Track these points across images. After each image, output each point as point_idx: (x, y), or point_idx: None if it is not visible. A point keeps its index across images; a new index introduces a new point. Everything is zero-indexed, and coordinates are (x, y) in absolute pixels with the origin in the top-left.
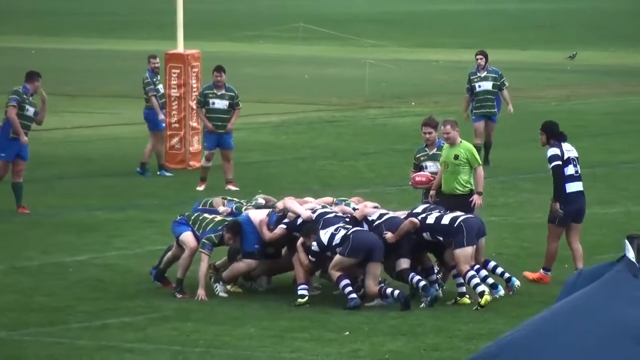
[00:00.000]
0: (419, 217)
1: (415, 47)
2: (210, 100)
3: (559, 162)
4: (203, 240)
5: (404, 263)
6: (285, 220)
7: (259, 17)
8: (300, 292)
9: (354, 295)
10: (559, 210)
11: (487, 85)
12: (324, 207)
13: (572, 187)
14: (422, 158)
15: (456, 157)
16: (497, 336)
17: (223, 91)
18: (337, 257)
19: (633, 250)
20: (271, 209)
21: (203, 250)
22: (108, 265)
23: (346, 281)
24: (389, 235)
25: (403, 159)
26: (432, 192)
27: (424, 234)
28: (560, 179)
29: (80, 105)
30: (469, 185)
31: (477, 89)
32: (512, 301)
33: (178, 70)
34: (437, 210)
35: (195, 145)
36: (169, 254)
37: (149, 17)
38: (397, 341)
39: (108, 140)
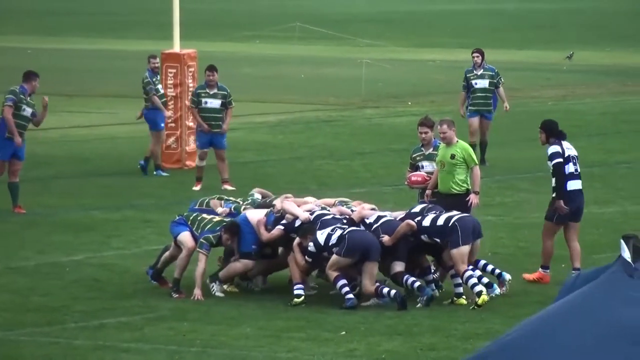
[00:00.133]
0: (416, 220)
1: (413, 47)
2: (203, 100)
3: (561, 160)
4: (201, 240)
5: (399, 266)
6: (283, 222)
7: (257, 17)
8: (296, 292)
9: (350, 295)
10: (564, 207)
11: (484, 83)
12: (322, 208)
13: (572, 185)
14: (418, 158)
15: (453, 156)
16: (493, 336)
17: (215, 90)
18: (334, 257)
19: (628, 250)
20: (269, 209)
21: (201, 250)
22: (104, 265)
23: (343, 281)
24: (385, 238)
25: (399, 159)
26: (428, 192)
27: (422, 237)
28: (562, 176)
29: (77, 105)
30: (465, 185)
31: (474, 87)
32: (509, 301)
33: (174, 70)
34: (434, 212)
35: (192, 144)
36: (167, 253)
37: (149, 17)
38: (394, 341)
39: (105, 140)
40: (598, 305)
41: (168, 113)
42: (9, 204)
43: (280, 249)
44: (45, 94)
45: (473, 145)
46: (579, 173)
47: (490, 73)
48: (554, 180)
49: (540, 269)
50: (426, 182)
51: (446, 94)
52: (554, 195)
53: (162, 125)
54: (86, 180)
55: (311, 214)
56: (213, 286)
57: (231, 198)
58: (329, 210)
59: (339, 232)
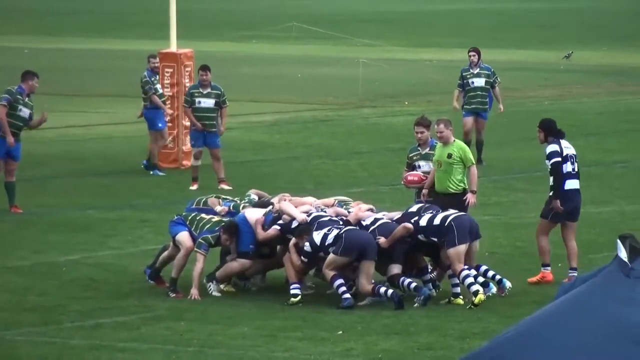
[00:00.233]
0: (413, 220)
1: (410, 46)
2: (197, 99)
3: (559, 159)
4: (199, 240)
5: (395, 268)
6: (280, 222)
7: (254, 17)
8: (292, 292)
9: (347, 295)
10: (560, 207)
11: (480, 81)
12: (321, 210)
13: (570, 184)
14: (415, 157)
15: (449, 156)
16: (490, 335)
17: (209, 90)
18: (331, 256)
19: (625, 250)
20: (268, 209)
21: (199, 251)
22: (101, 265)
23: (340, 281)
24: (382, 240)
25: (396, 158)
26: (424, 192)
27: (419, 236)
28: (559, 175)
29: (74, 105)
30: (462, 184)
31: (470, 85)
32: (506, 301)
33: (171, 70)
34: (431, 211)
35: (188, 144)
36: (165, 253)
37: (148, 16)
38: (391, 340)
39: (101, 140)
40: (595, 304)
41: (169, 111)
42: (5, 203)
43: (278, 248)
44: (42, 94)
45: (467, 144)
46: (576, 172)
47: (487, 72)
48: (551, 179)
49: (541, 269)
50: (422, 181)
51: (443, 94)
52: (550, 193)
53: (161, 125)
54: (83, 179)
55: (308, 215)
56: (210, 286)
57: (228, 197)
58: (326, 212)
59: (335, 232)
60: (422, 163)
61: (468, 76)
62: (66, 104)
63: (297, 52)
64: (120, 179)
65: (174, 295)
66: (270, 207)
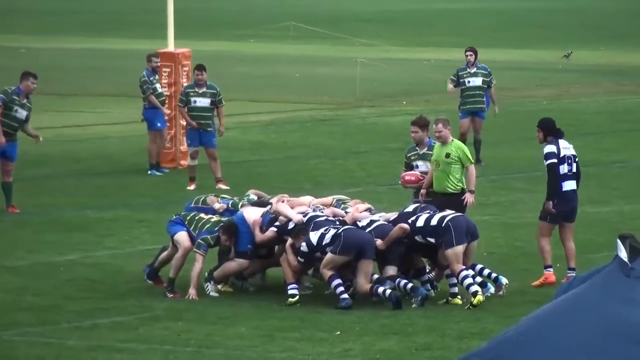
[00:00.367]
0: (410, 221)
1: (409, 46)
2: (192, 99)
3: (555, 160)
4: (198, 240)
5: (391, 270)
6: (277, 224)
7: (251, 16)
8: (290, 292)
9: (345, 295)
10: (552, 209)
11: (477, 81)
12: (315, 209)
13: (566, 186)
14: (412, 157)
15: (448, 155)
16: (488, 335)
17: (204, 89)
18: (329, 255)
19: (625, 250)
20: (266, 209)
21: (198, 251)
22: (98, 265)
23: (338, 281)
24: (379, 242)
25: (394, 158)
26: (422, 192)
27: (416, 237)
28: (555, 176)
29: (70, 104)
30: (460, 184)
31: (467, 85)
32: (504, 301)
33: (168, 69)
34: (427, 211)
35: (186, 144)
36: (164, 253)
37: (146, 16)
38: (389, 340)
39: (98, 140)
40: (595, 304)
41: (166, 111)
42: (2, 203)
43: (277, 248)
44: (38, 93)
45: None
46: (573, 173)
47: (484, 72)
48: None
49: (544, 271)
50: (419, 181)
51: (441, 93)
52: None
53: (160, 124)
54: (80, 179)
55: (304, 216)
56: (207, 286)
57: (227, 196)
58: (322, 212)
59: (332, 232)
60: (419, 163)
61: (465, 75)
62: (63, 103)
63: (294, 52)
64: (117, 178)
65: (172, 295)
66: (268, 207)
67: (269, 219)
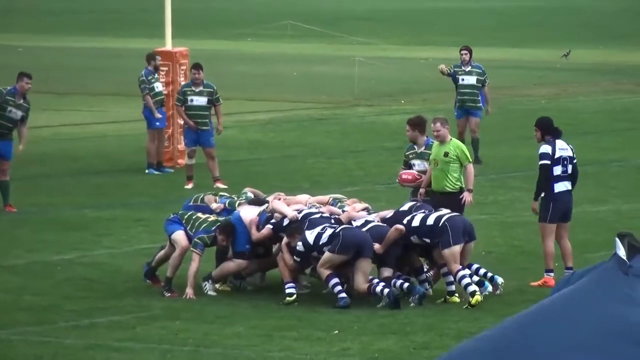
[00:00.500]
0: (405, 221)
1: (406, 44)
2: (189, 98)
3: (548, 162)
4: (195, 239)
5: (386, 272)
6: (272, 221)
7: (249, 15)
8: (288, 291)
9: (343, 294)
10: (537, 209)
11: (472, 79)
12: (311, 207)
13: (559, 187)
14: (410, 156)
15: (446, 154)
16: None
17: (201, 88)
18: (327, 254)
19: (624, 248)
20: (263, 208)
21: (195, 250)
22: (96, 264)
23: (336, 280)
24: (377, 246)
25: (392, 157)
26: (421, 191)
27: (412, 238)
28: (545, 177)
29: (68, 103)
30: (459, 183)
31: (461, 82)
32: (502, 300)
33: (166, 68)
34: (422, 211)
35: (183, 143)
36: (161, 252)
37: (143, 15)
38: (387, 340)
39: (96, 139)
40: (592, 302)
41: (157, 115)
42: None
43: (275, 247)
44: (36, 92)
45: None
46: (568, 175)
47: (478, 70)
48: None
49: (544, 274)
50: (416, 180)
51: (439, 92)
52: (542, 195)
53: (159, 123)
54: (78, 178)
55: (299, 213)
56: (205, 285)
57: (225, 194)
58: (318, 209)
59: (330, 231)
60: (417, 162)
61: (459, 73)
62: (61, 102)
63: (292, 51)
64: (114, 177)
65: (169, 294)
66: (265, 206)
67: (266, 218)
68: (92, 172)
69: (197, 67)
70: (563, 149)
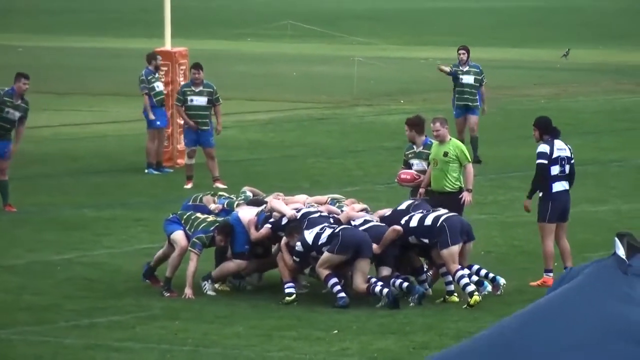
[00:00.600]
0: (403, 221)
1: (406, 44)
2: (189, 98)
3: (545, 161)
4: (193, 239)
5: (385, 271)
6: (271, 220)
7: (249, 15)
8: (287, 291)
9: (342, 294)
10: (529, 208)
11: (470, 78)
12: (310, 206)
13: (557, 187)
14: (409, 155)
15: (445, 154)
16: None
17: (201, 88)
18: (326, 254)
19: (623, 248)
20: (261, 208)
21: (193, 250)
22: (96, 264)
23: (335, 280)
24: (374, 246)
25: (392, 157)
26: (421, 191)
27: (410, 238)
28: (542, 177)
29: (68, 103)
30: (458, 183)
31: (460, 81)
32: (502, 300)
33: (165, 68)
34: (420, 211)
35: (183, 143)
36: (160, 252)
37: (142, 15)
38: (386, 340)
39: (95, 138)
40: (591, 301)
41: (151, 116)
42: None
43: (274, 248)
44: (36, 92)
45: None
46: (564, 174)
47: (476, 70)
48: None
49: (544, 274)
50: (415, 180)
51: (439, 92)
52: (540, 195)
53: (159, 123)
54: (77, 178)
55: (297, 212)
56: (205, 285)
57: (224, 194)
58: (316, 208)
59: (329, 231)
60: (415, 161)
61: (457, 72)
62: (60, 102)
63: (291, 51)
64: (114, 177)
65: (169, 294)
66: (263, 206)
67: (264, 217)
68: (92, 172)
69: (197, 67)
70: (561, 149)
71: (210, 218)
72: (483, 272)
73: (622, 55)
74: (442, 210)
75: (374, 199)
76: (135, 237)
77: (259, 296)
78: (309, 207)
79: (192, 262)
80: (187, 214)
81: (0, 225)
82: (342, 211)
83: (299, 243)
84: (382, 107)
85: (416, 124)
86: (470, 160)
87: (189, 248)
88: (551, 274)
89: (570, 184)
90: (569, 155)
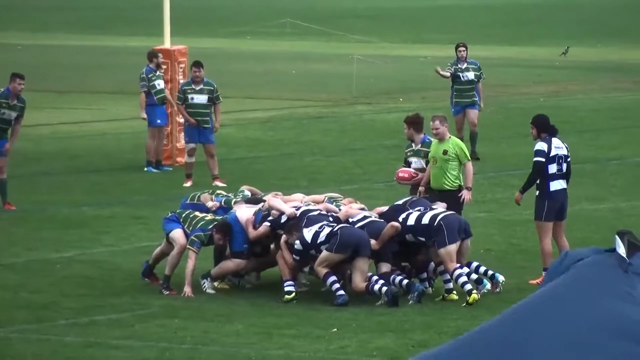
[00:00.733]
0: (401, 219)
1: (405, 42)
2: (189, 96)
3: (542, 159)
4: (192, 237)
5: (384, 267)
6: (270, 218)
7: (248, 13)
8: (287, 289)
9: (341, 292)
10: (519, 201)
11: (470, 75)
12: (308, 204)
13: (555, 185)
14: (408, 153)
15: (445, 152)
16: None
17: (201, 86)
18: (325, 253)
19: (623, 246)
20: (258, 208)
21: (191, 248)
22: (95, 262)
23: (333, 278)
24: (372, 242)
25: (391, 155)
26: (421, 189)
27: (407, 236)
28: (537, 174)
29: (66, 101)
30: (457, 181)
31: (461, 79)
32: (501, 298)
33: (165, 66)
34: (418, 208)
35: (182, 141)
36: (157, 249)
37: (143, 13)
38: (385, 338)
39: (94, 136)
40: (591, 300)
41: (143, 115)
42: None
43: (272, 246)
44: (34, 91)
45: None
46: (562, 173)
47: (474, 66)
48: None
49: (543, 272)
50: (412, 178)
51: (438, 90)
52: (537, 193)
53: (160, 121)
54: (76, 176)
55: (297, 210)
56: (204, 283)
57: (222, 192)
58: (315, 206)
59: (327, 230)
60: (413, 159)
61: (457, 70)
62: (59, 100)
63: (290, 49)
64: (113, 175)
65: (168, 292)
66: (261, 204)
67: (262, 216)
68: (91, 170)
69: (197, 64)
70: (559, 147)
71: (209, 216)
72: (482, 269)
73: (620, 53)
74: (440, 208)
75: (373, 197)
76: (134, 235)
77: (259, 294)
78: (307, 206)
79: (190, 260)
80: (186, 212)
81: None
82: (339, 210)
83: (297, 241)
84: (381, 106)
85: (414, 122)
86: (469, 158)
87: (188, 246)
88: None
89: (567, 182)
90: (566, 153)
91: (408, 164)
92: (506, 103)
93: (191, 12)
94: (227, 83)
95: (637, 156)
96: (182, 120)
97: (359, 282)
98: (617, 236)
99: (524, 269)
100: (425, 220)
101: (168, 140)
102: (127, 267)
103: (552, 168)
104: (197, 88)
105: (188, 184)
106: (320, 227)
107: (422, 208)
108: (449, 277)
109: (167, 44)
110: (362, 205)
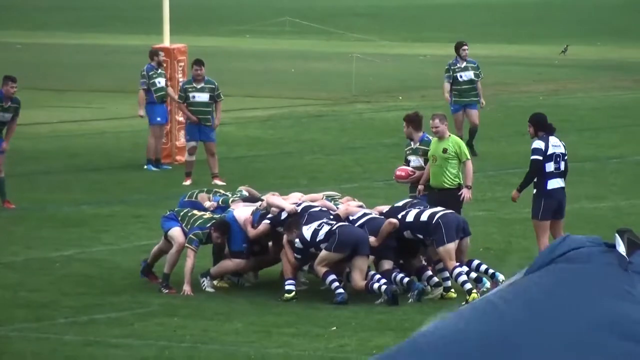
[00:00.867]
0: (400, 216)
1: (404, 41)
2: (191, 94)
3: (539, 157)
4: (190, 236)
5: (386, 264)
6: (269, 216)
7: (247, 12)
8: (287, 287)
9: (341, 290)
10: (516, 199)
11: (470, 74)
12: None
13: (552, 184)
14: (408, 152)
15: (444, 150)
16: None
17: (203, 84)
18: (324, 252)
19: (623, 244)
20: (255, 207)
21: (190, 246)
22: (94, 261)
23: (333, 276)
24: (372, 239)
25: (390, 154)
26: (420, 187)
27: (405, 233)
28: (535, 173)
29: (65, 100)
30: (457, 180)
31: (461, 79)
32: None
33: (164, 65)
34: (417, 207)
35: (182, 139)
36: (155, 248)
37: (142, 12)
38: (385, 336)
39: (93, 135)
40: (590, 299)
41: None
42: None
43: (270, 244)
44: (33, 89)
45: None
46: (560, 171)
47: (473, 65)
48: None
49: None
50: (409, 177)
51: (437, 89)
52: (534, 192)
53: (160, 119)
54: (75, 175)
55: (297, 206)
56: (203, 281)
57: (220, 191)
58: (315, 203)
59: (326, 228)
60: (412, 158)
61: (457, 70)
62: (59, 99)
63: (290, 47)
64: (113, 174)
65: (167, 291)
66: (258, 204)
67: (259, 216)
68: (91, 168)
69: (198, 63)
70: (556, 145)
71: (207, 215)
72: (483, 267)
73: (620, 52)
74: (439, 208)
75: (373, 196)
76: (134, 234)
77: (258, 293)
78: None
79: (189, 258)
80: (184, 211)
81: None
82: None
83: (297, 240)
84: (380, 104)
85: (413, 120)
86: (469, 157)
87: (186, 244)
88: None
89: (564, 180)
90: (563, 151)
91: (408, 163)
92: (506, 101)
93: (191, 11)
94: (227, 81)
95: (637, 155)
96: (181, 119)
97: (358, 280)
98: (617, 234)
99: (523, 268)
100: (424, 217)
101: (167, 139)
102: (126, 265)
103: (550, 166)
104: (199, 86)
105: (187, 182)
106: (319, 225)
107: (421, 207)
108: (447, 274)
109: (166, 43)
110: (361, 203)
